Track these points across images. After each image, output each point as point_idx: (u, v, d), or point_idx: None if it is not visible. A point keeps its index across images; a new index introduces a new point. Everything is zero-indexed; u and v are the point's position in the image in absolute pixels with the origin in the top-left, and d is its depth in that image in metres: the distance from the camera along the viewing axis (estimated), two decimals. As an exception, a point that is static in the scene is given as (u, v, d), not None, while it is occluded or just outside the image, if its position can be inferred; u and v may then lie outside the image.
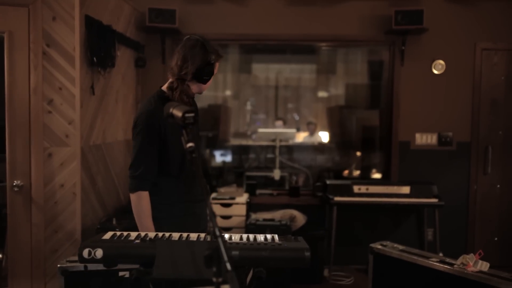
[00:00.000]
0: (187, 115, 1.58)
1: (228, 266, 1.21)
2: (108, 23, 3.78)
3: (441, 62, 4.88)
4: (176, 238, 1.85)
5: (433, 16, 4.73)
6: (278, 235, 1.92)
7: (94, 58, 3.51)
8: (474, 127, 4.91)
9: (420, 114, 4.93)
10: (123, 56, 4.28)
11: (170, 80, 2.28)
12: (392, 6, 4.71)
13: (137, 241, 1.79)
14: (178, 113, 1.62)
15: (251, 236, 1.89)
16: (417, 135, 4.94)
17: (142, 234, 1.89)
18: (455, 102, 4.91)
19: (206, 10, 4.89)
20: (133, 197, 2.22)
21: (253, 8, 4.92)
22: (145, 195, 2.21)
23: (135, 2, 4.62)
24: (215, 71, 2.32)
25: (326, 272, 4.55)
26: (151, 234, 1.89)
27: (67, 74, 3.28)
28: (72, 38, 3.29)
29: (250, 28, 4.92)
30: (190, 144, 1.49)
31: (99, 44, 3.58)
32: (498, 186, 4.95)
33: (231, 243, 1.76)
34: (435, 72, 4.90)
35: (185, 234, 1.90)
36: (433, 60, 4.89)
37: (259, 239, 1.86)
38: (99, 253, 1.70)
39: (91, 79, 3.56)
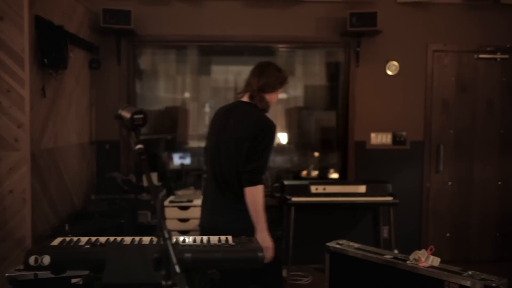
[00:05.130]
0: (135, 116, 1.55)
1: (177, 268, 1.20)
2: (59, 23, 3.67)
3: (395, 63, 5.00)
4: (128, 242, 1.82)
5: (386, 19, 4.84)
6: (233, 237, 1.91)
7: (45, 60, 3.40)
8: (427, 126, 5.05)
9: (375, 115, 5.03)
10: (77, 58, 4.17)
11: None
12: (347, 9, 4.78)
13: (87, 246, 1.74)
14: (126, 114, 1.59)
15: (205, 238, 1.88)
16: (373, 135, 5.04)
17: (93, 239, 1.85)
18: (409, 102, 5.04)
19: (162, 11, 4.83)
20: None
21: (209, 9, 4.89)
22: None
23: (88, 3, 4.52)
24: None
25: (284, 273, 4.57)
26: (102, 239, 1.85)
27: (16, 76, 3.17)
28: (21, 39, 3.18)
29: (207, 29, 4.90)
30: (139, 146, 1.47)
31: (50, 45, 3.47)
32: (450, 183, 5.11)
33: (184, 245, 1.75)
34: (389, 73, 5.01)
35: (137, 238, 1.87)
36: (387, 61, 5.00)
37: (213, 241, 1.84)
38: (46, 259, 1.65)
39: (41, 81, 3.45)
